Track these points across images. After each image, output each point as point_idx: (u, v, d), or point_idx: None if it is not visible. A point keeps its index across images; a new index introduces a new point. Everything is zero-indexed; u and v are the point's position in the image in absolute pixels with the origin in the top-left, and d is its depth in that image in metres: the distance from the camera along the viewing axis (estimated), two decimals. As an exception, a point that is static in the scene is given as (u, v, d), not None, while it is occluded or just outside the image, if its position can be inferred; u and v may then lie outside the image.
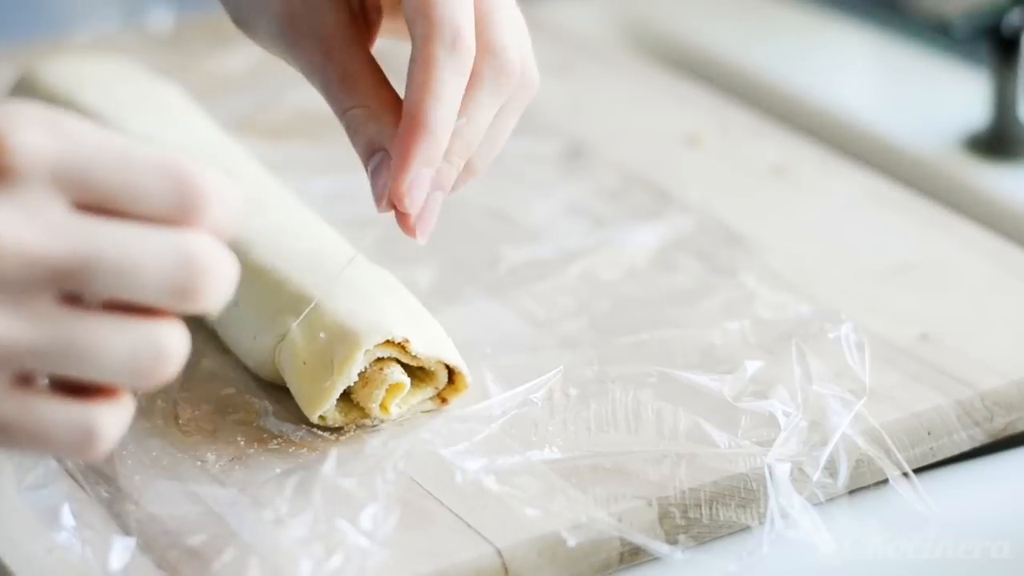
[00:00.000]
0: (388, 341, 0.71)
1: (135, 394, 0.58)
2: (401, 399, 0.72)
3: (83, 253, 0.55)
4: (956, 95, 1.06)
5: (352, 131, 0.70)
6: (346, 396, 0.71)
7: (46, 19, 1.23)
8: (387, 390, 0.71)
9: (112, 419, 0.57)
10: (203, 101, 0.98)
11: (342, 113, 0.70)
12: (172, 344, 0.56)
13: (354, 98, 0.70)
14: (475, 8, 0.68)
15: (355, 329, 0.71)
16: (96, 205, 0.56)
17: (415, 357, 0.71)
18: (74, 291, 0.55)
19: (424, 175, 0.68)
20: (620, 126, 1.03)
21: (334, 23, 0.70)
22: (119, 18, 1.20)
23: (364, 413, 0.72)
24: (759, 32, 1.18)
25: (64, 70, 0.97)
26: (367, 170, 0.69)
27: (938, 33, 1.12)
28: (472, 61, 0.68)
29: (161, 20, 1.17)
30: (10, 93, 1.00)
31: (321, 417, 0.71)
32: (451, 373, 0.73)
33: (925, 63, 1.12)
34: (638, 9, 1.22)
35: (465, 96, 0.68)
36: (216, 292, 0.57)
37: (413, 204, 0.68)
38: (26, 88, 0.98)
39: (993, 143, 0.99)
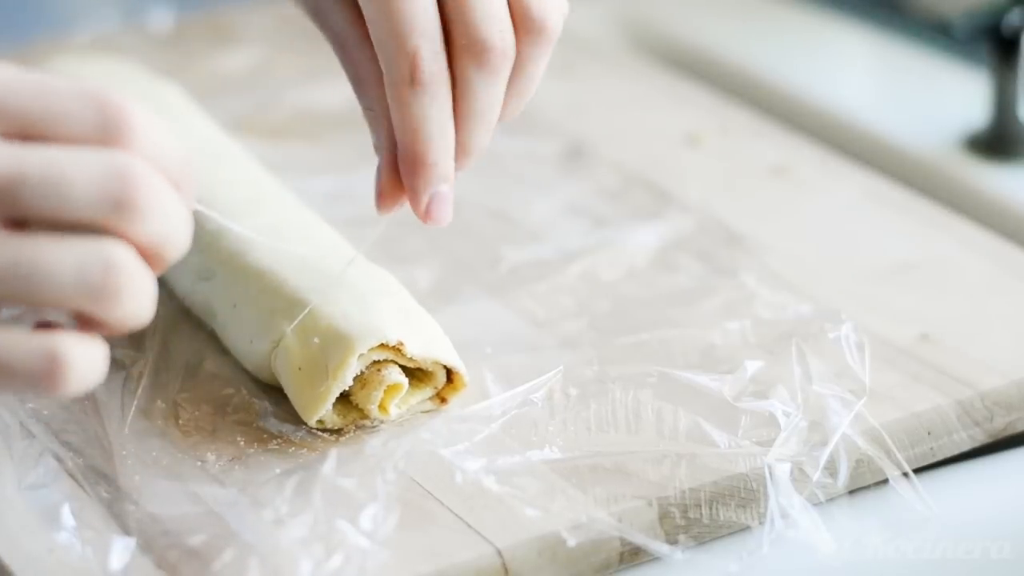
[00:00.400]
0: (383, 344, 0.71)
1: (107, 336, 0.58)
2: (400, 400, 0.72)
3: (9, 171, 0.55)
4: (956, 95, 1.06)
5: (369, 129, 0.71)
6: (345, 397, 0.71)
7: (46, 19, 1.23)
8: (385, 391, 0.71)
9: (79, 351, 0.56)
10: (203, 101, 0.98)
11: (362, 111, 0.71)
12: (121, 258, 0.56)
13: (363, 100, 0.70)
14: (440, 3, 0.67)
15: (349, 333, 0.71)
16: (21, 133, 0.56)
17: (411, 359, 0.71)
18: (10, 214, 0.56)
19: (441, 192, 0.69)
20: (620, 126, 1.03)
21: (343, 22, 0.70)
22: (119, 18, 1.19)
23: (363, 414, 0.72)
24: (759, 32, 1.18)
25: (64, 70, 0.97)
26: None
27: (938, 33, 1.12)
28: (441, 80, 0.67)
29: (161, 20, 1.17)
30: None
31: (319, 421, 0.71)
32: (449, 373, 0.73)
33: (925, 63, 1.12)
34: (638, 9, 1.22)
35: (458, 100, 0.68)
36: (154, 209, 0.57)
37: (438, 220, 0.69)
38: (26, 88, 0.98)
39: (993, 143, 0.99)
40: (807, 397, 0.73)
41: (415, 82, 0.66)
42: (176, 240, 0.58)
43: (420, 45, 0.66)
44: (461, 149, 0.69)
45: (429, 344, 0.72)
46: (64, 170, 0.56)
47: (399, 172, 0.69)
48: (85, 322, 0.57)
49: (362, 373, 0.71)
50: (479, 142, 0.69)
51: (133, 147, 0.57)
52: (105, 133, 0.57)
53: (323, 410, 0.70)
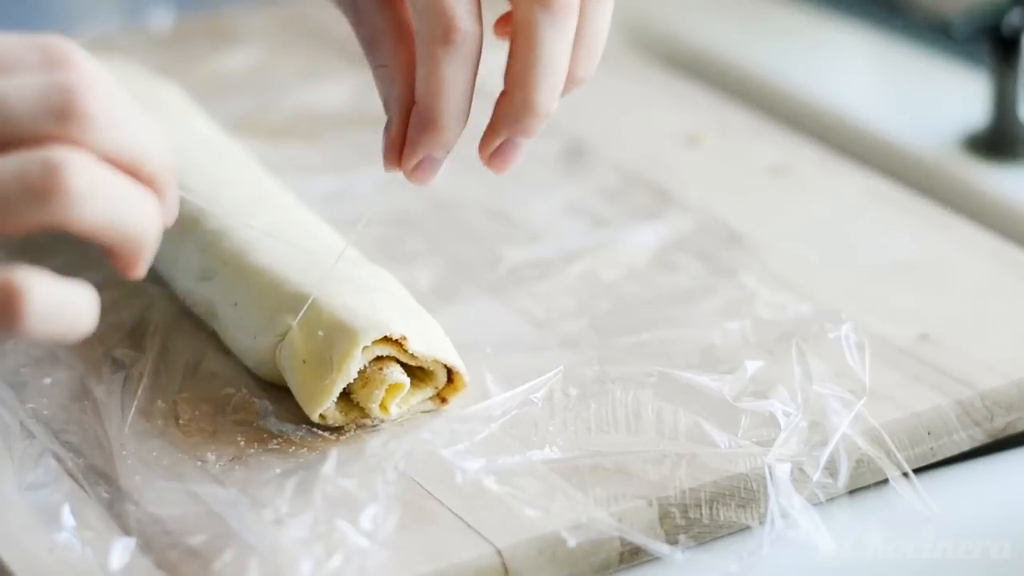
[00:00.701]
0: (386, 339, 0.71)
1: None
2: (401, 399, 0.72)
3: None
4: (956, 95, 1.06)
5: (377, 87, 0.70)
6: (346, 396, 0.72)
7: (46, 19, 1.23)
8: (387, 390, 0.71)
9: (42, 286, 0.55)
10: (203, 101, 0.98)
11: (372, 70, 0.70)
12: (65, 158, 0.56)
13: (378, 58, 0.70)
14: None
15: (353, 326, 0.71)
16: None
17: (413, 356, 0.71)
18: None
19: (435, 157, 0.69)
20: (620, 126, 1.03)
21: None
22: (119, 18, 1.20)
23: (364, 413, 0.72)
24: (759, 32, 1.18)
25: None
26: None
27: (938, 33, 1.12)
28: (474, 42, 0.66)
29: (161, 20, 1.17)
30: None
31: (321, 416, 0.71)
32: (450, 373, 0.73)
33: (925, 63, 1.12)
34: (638, 9, 1.22)
35: (523, 51, 0.66)
36: (105, 116, 0.56)
37: (421, 181, 0.69)
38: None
39: (993, 143, 0.99)
40: (807, 397, 0.73)
41: (448, 40, 0.66)
42: (147, 147, 0.58)
43: (455, 11, 0.66)
44: (527, 107, 0.67)
45: (431, 343, 0.72)
46: (3, 89, 0.56)
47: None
48: (107, 253, 0.58)
49: (365, 371, 0.71)
50: (545, 99, 0.67)
51: (74, 72, 0.57)
52: (47, 66, 0.57)
53: (327, 403, 0.71)
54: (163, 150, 0.59)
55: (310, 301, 0.72)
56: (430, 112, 0.67)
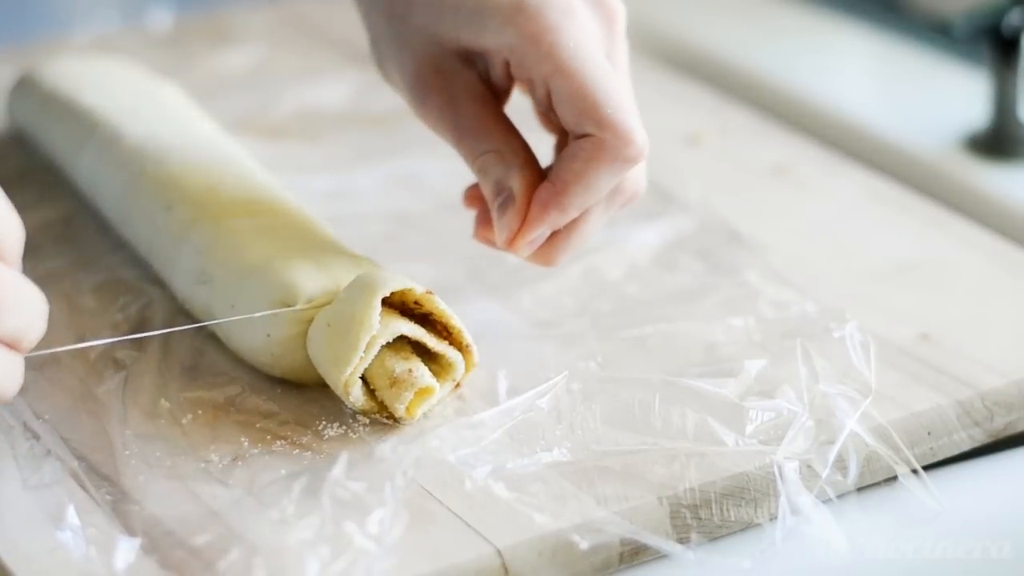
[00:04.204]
0: (407, 315, 0.72)
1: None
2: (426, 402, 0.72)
3: None
4: (956, 95, 1.06)
5: (483, 173, 0.74)
6: (372, 396, 0.72)
7: (46, 19, 1.23)
8: (416, 393, 0.71)
9: None
10: (203, 101, 0.98)
11: (474, 158, 0.74)
12: None
13: (486, 144, 0.74)
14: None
15: (372, 280, 0.72)
16: None
17: (441, 313, 0.72)
18: None
19: (545, 234, 0.74)
20: (620, 126, 1.03)
21: (464, 82, 0.75)
22: (119, 18, 1.20)
23: (384, 408, 0.72)
24: (759, 32, 1.18)
25: (64, 70, 0.97)
26: (493, 208, 0.74)
27: (938, 33, 1.12)
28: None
29: (160, 20, 1.18)
30: (10, 93, 1.00)
31: (346, 389, 0.71)
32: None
33: (925, 63, 1.12)
34: (638, 9, 1.22)
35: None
36: (5, 309, 0.62)
37: (523, 252, 0.75)
38: (26, 88, 0.98)
39: (993, 143, 0.99)
40: (813, 397, 0.73)
41: (632, 161, 0.73)
42: (32, 329, 0.64)
43: (640, 129, 0.75)
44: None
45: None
46: None
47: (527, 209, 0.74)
48: None
49: (393, 372, 0.71)
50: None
51: None
52: None
53: (354, 359, 0.71)
54: (41, 322, 0.64)
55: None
56: (565, 200, 0.73)
